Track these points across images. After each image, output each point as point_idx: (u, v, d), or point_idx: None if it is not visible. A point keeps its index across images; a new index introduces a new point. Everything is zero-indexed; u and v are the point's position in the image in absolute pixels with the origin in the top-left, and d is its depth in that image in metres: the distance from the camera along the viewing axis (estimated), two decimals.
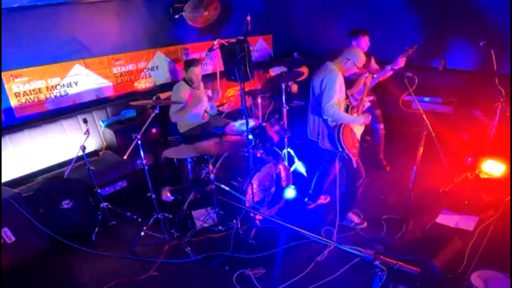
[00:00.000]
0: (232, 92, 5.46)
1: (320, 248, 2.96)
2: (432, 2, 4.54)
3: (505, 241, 2.81)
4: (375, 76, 3.66)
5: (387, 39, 4.58)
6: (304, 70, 4.96)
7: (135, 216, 3.48)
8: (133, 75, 4.65)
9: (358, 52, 2.95)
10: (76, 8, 3.97)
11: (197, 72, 3.99)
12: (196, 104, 3.98)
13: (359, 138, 3.08)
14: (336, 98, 2.78)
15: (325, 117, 2.89)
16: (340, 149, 2.90)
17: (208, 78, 5.06)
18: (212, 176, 3.12)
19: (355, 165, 2.97)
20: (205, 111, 4.16)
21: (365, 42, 3.74)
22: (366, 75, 3.07)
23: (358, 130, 3.07)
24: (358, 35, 3.72)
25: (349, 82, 3.38)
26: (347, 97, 2.99)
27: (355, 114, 2.99)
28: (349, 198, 3.19)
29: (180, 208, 3.36)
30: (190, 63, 4.02)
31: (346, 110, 2.92)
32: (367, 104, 3.16)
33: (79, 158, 3.33)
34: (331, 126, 2.93)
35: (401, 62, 3.40)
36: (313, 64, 5.20)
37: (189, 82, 4.05)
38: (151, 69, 4.79)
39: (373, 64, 3.86)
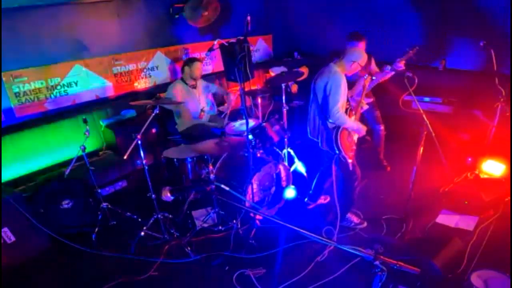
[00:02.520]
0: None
1: (320, 248, 2.96)
2: (432, 2, 4.54)
3: (505, 241, 2.81)
4: (373, 78, 3.65)
5: (387, 39, 4.59)
6: (304, 70, 4.95)
7: (135, 216, 3.48)
8: (133, 75, 4.65)
9: (361, 52, 2.95)
10: (76, 8, 3.97)
11: (200, 67, 4.08)
12: (189, 105, 4.02)
13: (356, 141, 3.09)
14: (341, 101, 2.79)
15: (330, 121, 2.88)
16: (337, 152, 2.90)
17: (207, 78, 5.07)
18: (212, 176, 3.12)
19: (350, 168, 2.98)
20: (202, 110, 4.17)
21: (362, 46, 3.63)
22: (365, 77, 3.07)
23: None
24: (354, 40, 3.64)
25: (349, 83, 3.38)
26: (347, 99, 2.99)
27: (353, 117, 3.00)
28: (347, 199, 3.19)
29: (180, 208, 3.40)
30: (193, 59, 4.12)
31: (346, 112, 2.92)
32: (365, 107, 3.16)
33: (79, 158, 3.32)
34: (330, 128, 2.93)
35: (401, 64, 3.39)
36: (313, 64, 5.20)
37: (187, 80, 4.09)
38: (151, 69, 4.79)
39: (373, 66, 3.85)
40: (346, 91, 2.86)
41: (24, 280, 2.95)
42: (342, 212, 3.21)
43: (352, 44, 3.63)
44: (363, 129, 3.02)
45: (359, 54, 2.91)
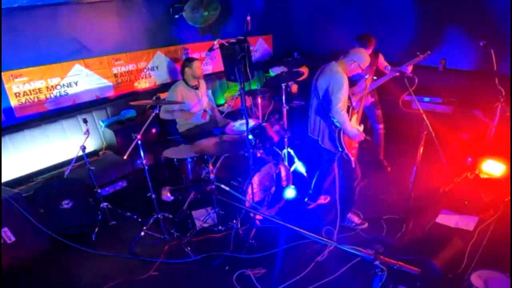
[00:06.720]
0: (232, 92, 5.46)
1: (320, 248, 2.96)
2: (432, 2, 4.54)
3: (505, 241, 2.81)
4: (375, 78, 3.64)
5: (386, 39, 4.58)
6: (304, 70, 4.96)
7: (135, 216, 3.48)
8: (133, 75, 4.65)
9: (363, 54, 2.93)
10: (76, 8, 3.97)
11: (200, 65, 4.02)
12: (191, 111, 4.01)
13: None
14: (343, 100, 2.78)
15: (333, 119, 2.88)
16: (340, 149, 2.91)
17: (209, 78, 5.07)
18: (212, 176, 3.12)
19: (353, 165, 2.98)
20: (205, 110, 4.15)
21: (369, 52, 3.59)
22: (366, 77, 3.07)
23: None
24: (360, 45, 3.59)
25: (351, 81, 3.38)
26: (348, 97, 2.98)
27: (355, 116, 2.99)
28: (347, 198, 3.20)
29: (180, 208, 3.39)
30: (191, 59, 4.06)
31: (347, 111, 2.92)
32: (371, 99, 3.15)
33: (79, 158, 3.33)
34: (333, 126, 2.92)
35: (410, 68, 3.39)
36: (313, 64, 5.20)
37: (189, 81, 4.02)
38: (151, 69, 4.79)
39: (382, 61, 3.83)
40: (347, 90, 2.85)
41: (24, 280, 2.95)
42: (343, 211, 3.21)
43: (357, 46, 3.60)
44: (360, 135, 2.95)
45: (361, 56, 2.89)
